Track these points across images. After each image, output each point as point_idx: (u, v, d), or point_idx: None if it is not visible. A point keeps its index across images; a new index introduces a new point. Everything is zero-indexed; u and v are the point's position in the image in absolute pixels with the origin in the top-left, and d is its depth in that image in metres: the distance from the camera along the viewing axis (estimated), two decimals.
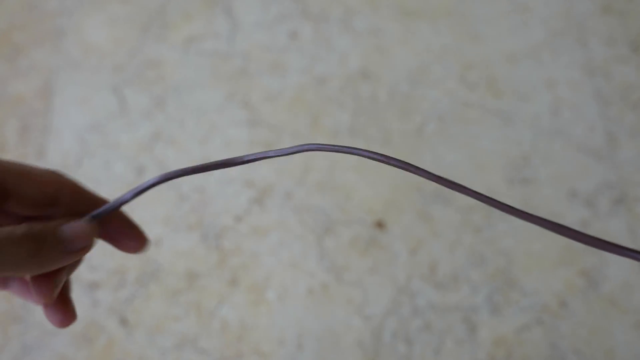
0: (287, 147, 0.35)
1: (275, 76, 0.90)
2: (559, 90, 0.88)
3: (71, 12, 0.95)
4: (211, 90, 0.89)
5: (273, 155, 0.34)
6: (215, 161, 0.35)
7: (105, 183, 0.82)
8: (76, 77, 0.90)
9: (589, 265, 0.77)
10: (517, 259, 0.78)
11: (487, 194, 0.82)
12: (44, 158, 0.84)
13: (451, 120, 0.87)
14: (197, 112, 0.87)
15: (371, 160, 0.84)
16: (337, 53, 0.91)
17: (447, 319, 0.74)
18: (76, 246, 0.33)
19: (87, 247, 0.33)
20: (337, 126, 0.86)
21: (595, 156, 0.84)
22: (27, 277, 0.36)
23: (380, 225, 0.80)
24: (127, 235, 0.37)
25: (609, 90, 0.88)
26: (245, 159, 0.35)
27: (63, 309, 0.38)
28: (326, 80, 0.89)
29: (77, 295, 0.76)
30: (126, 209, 0.79)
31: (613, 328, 0.74)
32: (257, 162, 0.84)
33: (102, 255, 0.78)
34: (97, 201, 0.35)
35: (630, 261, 0.78)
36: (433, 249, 0.78)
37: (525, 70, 0.90)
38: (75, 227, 0.33)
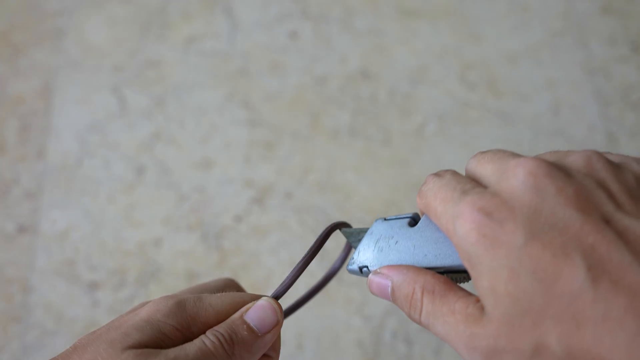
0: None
1: (275, 76, 0.90)
2: (559, 90, 0.88)
3: (71, 12, 0.95)
4: (211, 90, 0.89)
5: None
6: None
7: (105, 183, 0.82)
8: (76, 77, 0.90)
9: None
10: None
11: None
12: (44, 158, 0.84)
13: (451, 120, 0.87)
14: (197, 112, 0.87)
15: (371, 160, 0.84)
16: (337, 53, 0.91)
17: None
18: (266, 325, 0.34)
19: (277, 324, 0.35)
20: (337, 126, 0.86)
21: None
22: None
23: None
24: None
25: (609, 90, 0.88)
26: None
27: None
28: (326, 80, 0.89)
29: (77, 295, 0.76)
30: None
31: None
32: (257, 162, 0.84)
33: (101, 255, 0.78)
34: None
35: None
36: None
37: (526, 70, 0.90)
38: (258, 307, 0.34)
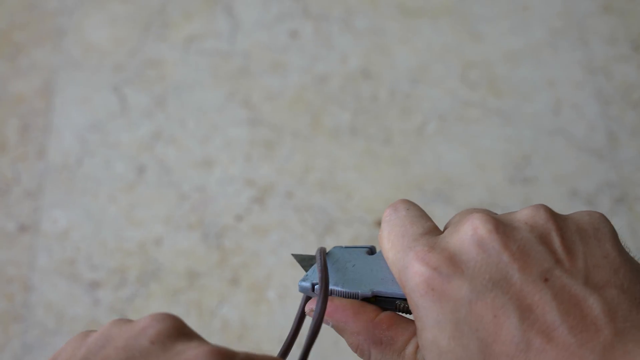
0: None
1: (276, 75, 0.90)
2: (560, 89, 0.88)
3: (71, 11, 0.95)
4: (212, 90, 0.89)
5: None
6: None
7: (105, 182, 0.82)
8: (77, 76, 0.90)
9: None
10: None
11: (488, 193, 0.82)
12: (45, 157, 0.84)
13: (452, 119, 0.86)
14: (198, 111, 0.87)
15: (372, 160, 0.84)
16: (337, 52, 0.91)
17: None
18: None
19: None
20: (338, 125, 0.86)
21: (596, 155, 0.84)
22: None
23: (380, 224, 0.80)
24: None
25: (609, 89, 0.88)
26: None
27: None
28: (327, 79, 0.89)
29: (78, 295, 0.76)
30: None
31: None
32: (257, 161, 0.84)
33: (102, 254, 0.78)
34: None
35: None
36: None
37: (526, 69, 0.90)
38: None
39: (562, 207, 0.85)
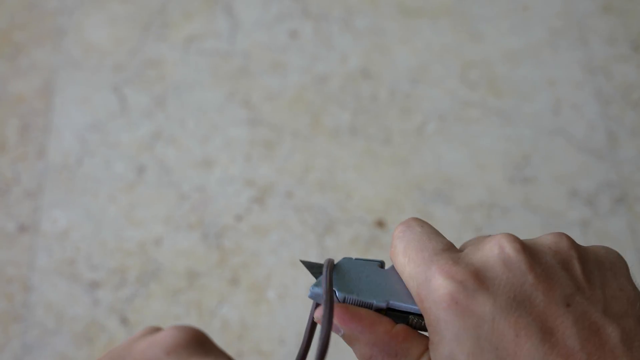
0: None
1: (276, 75, 0.90)
2: (560, 89, 0.88)
3: (71, 11, 0.95)
4: (212, 90, 0.89)
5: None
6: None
7: (105, 182, 0.82)
8: (76, 76, 0.90)
9: None
10: None
11: (488, 193, 0.82)
12: (45, 157, 0.84)
13: (452, 119, 0.87)
14: (198, 111, 0.87)
15: (372, 160, 0.84)
16: (337, 52, 0.91)
17: None
18: None
19: None
20: (338, 125, 0.86)
21: (596, 155, 0.84)
22: None
23: (380, 224, 0.80)
24: None
25: (609, 89, 0.88)
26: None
27: None
28: (327, 79, 0.89)
29: (77, 295, 0.76)
30: None
31: None
32: (257, 161, 0.84)
33: (102, 254, 0.78)
34: None
35: None
36: None
37: (526, 69, 0.90)
38: None
39: (562, 207, 0.86)
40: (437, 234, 0.35)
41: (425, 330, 0.34)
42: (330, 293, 0.33)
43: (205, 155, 0.84)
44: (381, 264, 0.36)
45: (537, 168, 0.83)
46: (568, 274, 0.31)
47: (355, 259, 0.36)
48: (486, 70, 0.90)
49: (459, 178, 0.82)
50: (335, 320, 0.34)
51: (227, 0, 0.95)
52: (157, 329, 0.29)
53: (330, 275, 0.34)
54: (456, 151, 0.84)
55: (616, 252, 0.33)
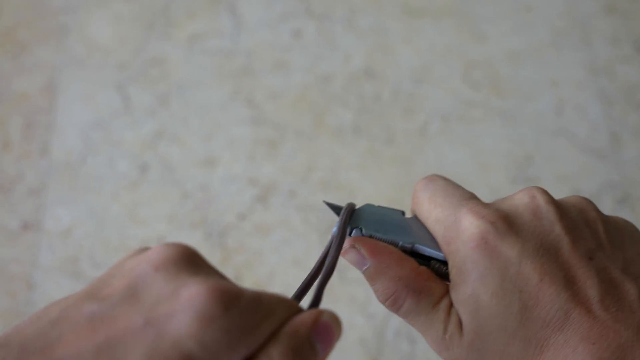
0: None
1: (279, 74, 0.90)
2: (563, 89, 0.88)
3: (75, 9, 0.95)
4: (215, 89, 0.89)
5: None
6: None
7: (109, 180, 0.83)
8: (80, 74, 0.90)
9: None
10: None
11: (491, 193, 0.82)
12: (48, 156, 0.84)
13: (455, 119, 0.87)
14: (201, 110, 0.88)
15: (375, 159, 0.84)
16: (341, 52, 0.92)
17: None
18: (326, 351, 0.28)
19: (332, 348, 0.28)
20: (341, 125, 0.86)
21: (599, 156, 0.84)
22: None
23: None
24: None
25: (612, 90, 0.88)
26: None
27: None
28: (330, 78, 0.90)
29: None
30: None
31: None
32: (260, 160, 0.84)
33: (105, 252, 0.78)
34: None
35: None
36: None
37: (529, 69, 0.90)
38: (326, 326, 0.28)
39: None
40: (460, 186, 0.35)
41: (446, 277, 0.34)
42: (344, 227, 0.34)
43: (209, 154, 0.84)
44: (402, 212, 0.37)
45: (540, 168, 0.83)
46: (591, 232, 0.32)
47: (378, 205, 0.36)
48: (489, 71, 0.90)
49: (462, 178, 0.82)
50: (364, 252, 0.34)
51: (231, 0, 0.95)
52: (146, 249, 0.28)
53: (348, 214, 0.35)
54: (459, 151, 0.84)
55: (634, 224, 0.34)
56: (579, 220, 0.32)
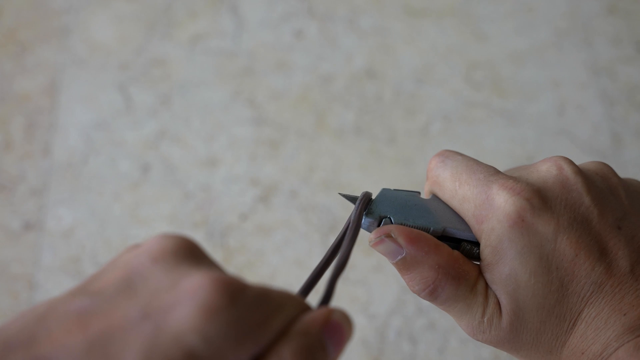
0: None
1: (281, 75, 0.90)
2: (564, 90, 0.88)
3: (77, 9, 0.95)
4: (217, 89, 0.89)
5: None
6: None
7: (110, 180, 0.83)
8: (82, 74, 0.90)
9: None
10: None
11: None
12: (50, 156, 0.84)
13: (456, 119, 0.87)
14: (203, 110, 0.88)
15: (376, 159, 0.84)
16: (342, 52, 0.92)
17: (452, 318, 0.74)
18: (337, 351, 0.26)
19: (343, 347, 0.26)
20: (342, 125, 0.86)
21: (600, 156, 0.84)
22: None
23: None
24: None
25: (614, 90, 0.88)
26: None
27: None
28: (331, 79, 0.90)
29: None
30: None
31: None
32: (262, 160, 0.84)
33: (107, 252, 0.78)
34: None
35: None
36: None
37: (531, 70, 0.90)
38: (337, 326, 0.26)
39: None
40: (478, 160, 0.34)
41: (474, 258, 0.33)
42: (359, 217, 0.33)
43: (210, 154, 0.84)
44: (419, 194, 0.35)
45: None
46: (616, 200, 0.32)
47: (394, 189, 0.35)
48: (491, 71, 0.90)
49: None
50: (401, 241, 0.32)
51: (233, 0, 0.95)
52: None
53: (364, 203, 0.34)
54: (460, 151, 0.84)
55: None
56: (603, 188, 0.32)
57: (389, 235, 0.33)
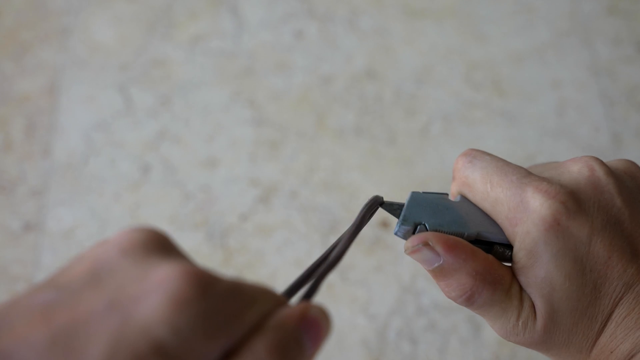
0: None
1: (281, 75, 0.90)
2: (564, 90, 0.88)
3: (77, 10, 0.95)
4: (217, 89, 0.89)
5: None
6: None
7: (110, 181, 0.83)
8: (82, 75, 0.90)
9: None
10: None
11: None
12: (50, 156, 0.84)
13: (456, 120, 0.87)
14: (203, 111, 0.88)
15: (376, 160, 0.84)
16: (342, 52, 0.92)
17: (452, 318, 0.74)
18: (314, 346, 0.25)
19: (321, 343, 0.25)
20: (343, 125, 0.86)
21: (600, 156, 0.84)
22: None
23: (385, 224, 0.80)
24: None
25: (614, 90, 0.88)
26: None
27: None
28: (331, 79, 0.90)
29: None
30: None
31: None
32: (262, 161, 0.84)
33: None
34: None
35: None
36: None
37: (531, 70, 0.90)
38: (314, 321, 0.25)
39: None
40: (506, 160, 0.34)
41: (506, 260, 0.33)
42: (361, 220, 0.33)
43: (210, 155, 0.84)
44: (448, 195, 0.35)
45: None
46: None
47: (423, 192, 0.35)
48: (490, 71, 0.90)
49: None
50: (439, 249, 0.32)
51: (233, 0, 0.95)
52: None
53: (369, 208, 0.35)
54: (460, 152, 0.84)
55: None
56: (634, 188, 0.32)
57: (426, 244, 0.32)
